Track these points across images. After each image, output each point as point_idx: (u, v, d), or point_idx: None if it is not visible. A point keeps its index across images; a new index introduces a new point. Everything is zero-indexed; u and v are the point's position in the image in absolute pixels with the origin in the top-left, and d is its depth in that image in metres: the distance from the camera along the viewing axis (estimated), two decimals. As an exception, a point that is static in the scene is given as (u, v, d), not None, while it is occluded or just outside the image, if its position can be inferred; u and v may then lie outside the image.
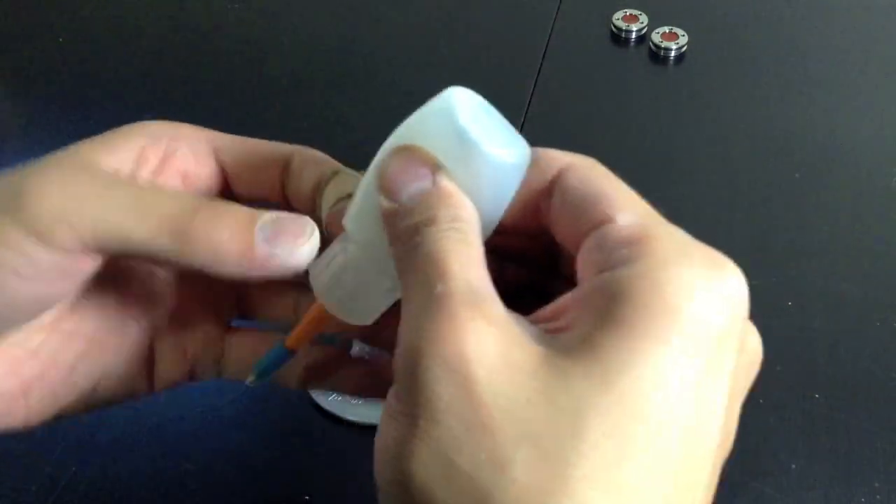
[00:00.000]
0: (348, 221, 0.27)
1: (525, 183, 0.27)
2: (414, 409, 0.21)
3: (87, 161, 0.28)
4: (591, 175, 0.26)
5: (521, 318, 0.24)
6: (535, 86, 0.66)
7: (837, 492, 0.43)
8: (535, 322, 0.24)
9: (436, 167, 0.25)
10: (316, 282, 0.28)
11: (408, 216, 0.25)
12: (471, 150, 0.25)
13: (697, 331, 0.22)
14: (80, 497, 0.44)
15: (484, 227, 0.26)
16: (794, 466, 0.44)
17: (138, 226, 0.26)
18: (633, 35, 0.69)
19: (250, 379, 0.31)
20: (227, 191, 0.31)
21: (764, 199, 0.57)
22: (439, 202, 0.24)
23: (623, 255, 0.23)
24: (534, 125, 0.62)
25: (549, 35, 0.70)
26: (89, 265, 0.27)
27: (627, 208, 0.25)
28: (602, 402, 0.21)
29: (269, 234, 0.26)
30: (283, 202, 0.31)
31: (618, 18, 0.70)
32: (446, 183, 0.25)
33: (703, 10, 0.72)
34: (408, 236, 0.24)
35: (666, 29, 0.68)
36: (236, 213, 0.26)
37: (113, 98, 0.67)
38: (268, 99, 0.65)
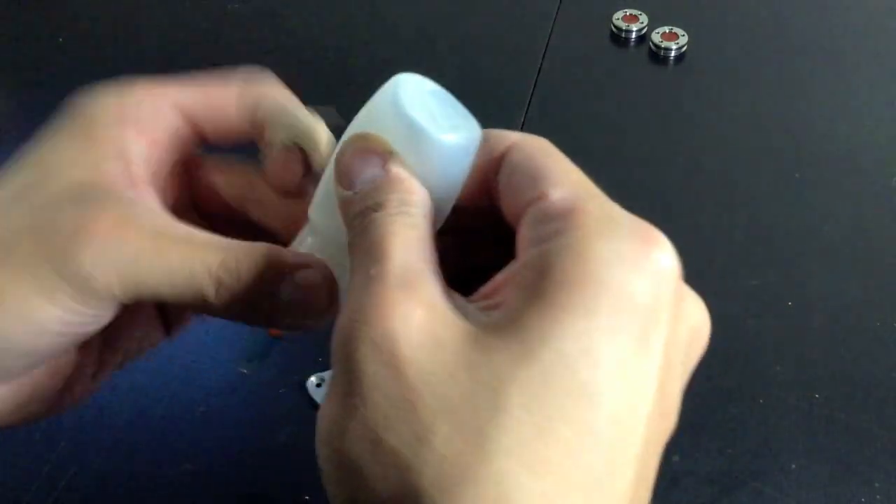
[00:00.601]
0: (312, 211, 0.28)
1: (476, 162, 0.27)
2: (346, 387, 0.22)
3: (126, 202, 0.28)
4: (533, 152, 0.26)
5: (459, 299, 0.24)
6: (535, 86, 0.66)
7: (837, 492, 0.43)
8: (474, 300, 0.24)
9: (387, 154, 0.26)
10: None
11: (360, 202, 0.25)
12: (418, 135, 0.26)
13: (622, 304, 0.22)
14: (80, 497, 0.44)
15: (439, 208, 0.26)
16: (794, 466, 0.44)
17: (178, 287, 0.27)
18: (633, 35, 0.69)
19: (244, 367, 0.32)
20: (202, 140, 0.32)
21: (764, 199, 0.57)
22: (389, 188, 0.25)
23: (553, 229, 0.23)
24: (534, 125, 0.62)
25: (549, 35, 0.70)
26: (112, 315, 0.28)
27: (562, 183, 0.25)
28: (522, 375, 0.21)
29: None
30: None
31: (618, 18, 0.70)
32: (397, 169, 0.26)
33: (703, 10, 0.72)
34: (358, 221, 0.25)
35: (666, 29, 0.68)
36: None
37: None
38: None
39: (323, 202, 0.28)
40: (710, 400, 0.47)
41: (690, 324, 0.24)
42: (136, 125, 0.30)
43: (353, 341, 0.22)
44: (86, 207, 0.27)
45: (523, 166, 0.26)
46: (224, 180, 0.33)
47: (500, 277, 0.24)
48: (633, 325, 0.22)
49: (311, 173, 0.30)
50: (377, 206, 0.25)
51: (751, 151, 0.60)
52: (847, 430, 0.45)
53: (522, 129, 0.62)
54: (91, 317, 0.27)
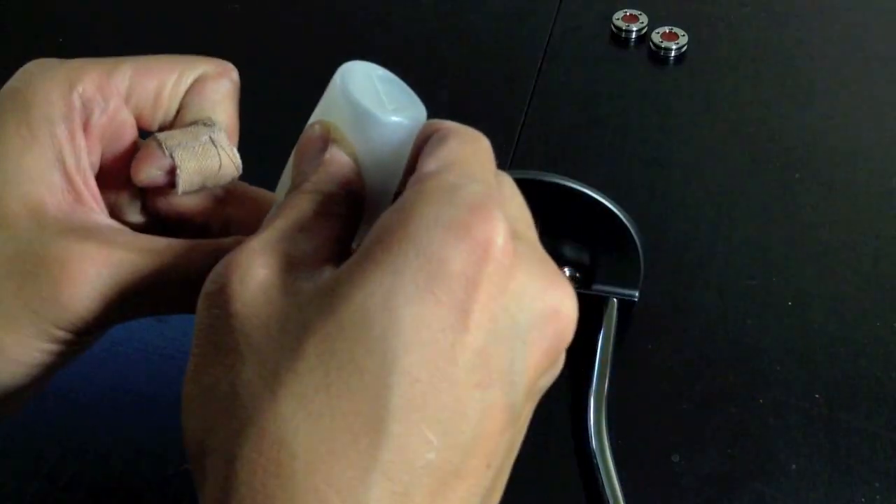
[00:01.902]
0: (277, 196, 0.30)
1: (416, 147, 0.28)
2: (194, 337, 0.24)
3: (89, 227, 0.29)
4: (449, 134, 0.27)
5: (330, 268, 0.25)
6: (535, 86, 0.66)
7: (837, 492, 0.43)
8: None
9: (328, 140, 0.28)
10: None
11: (294, 181, 0.27)
12: (363, 116, 0.27)
13: (432, 267, 0.22)
14: (80, 497, 0.44)
15: (387, 188, 0.28)
16: (794, 466, 0.44)
17: (177, 297, 0.29)
18: (633, 35, 0.69)
19: None
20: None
21: (764, 199, 0.57)
22: (315, 170, 0.27)
23: (403, 195, 0.24)
24: (534, 125, 0.62)
25: (549, 35, 0.70)
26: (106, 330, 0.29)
27: (440, 157, 0.25)
28: (323, 325, 0.22)
29: None
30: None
31: (618, 18, 0.70)
32: (330, 154, 0.27)
33: (703, 10, 0.72)
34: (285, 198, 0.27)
35: (666, 29, 0.68)
36: None
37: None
38: (267, 99, 0.65)
39: (281, 187, 0.30)
40: (710, 400, 0.47)
41: (535, 305, 0.24)
42: (76, 117, 0.30)
43: (202, 297, 0.24)
44: (58, 244, 0.27)
45: (431, 143, 0.27)
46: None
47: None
48: (443, 289, 0.22)
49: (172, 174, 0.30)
50: (294, 186, 0.27)
51: (750, 151, 0.60)
52: (847, 430, 0.45)
53: (522, 129, 0.62)
54: (85, 343, 0.28)
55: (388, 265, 0.22)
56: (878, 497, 0.43)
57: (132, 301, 0.28)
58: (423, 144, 0.27)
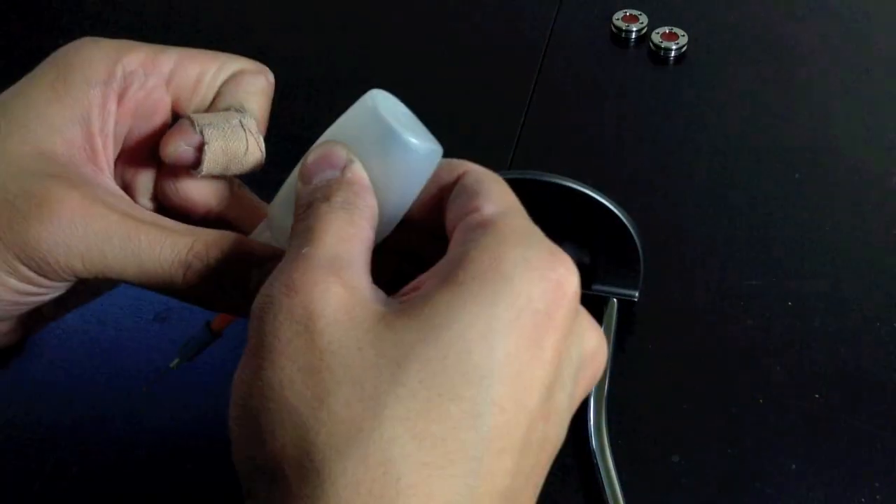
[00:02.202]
0: (272, 207, 0.30)
1: (434, 181, 0.29)
2: (257, 351, 0.24)
3: (87, 179, 0.29)
4: (481, 177, 0.29)
5: (380, 292, 0.26)
6: (535, 86, 0.66)
7: (837, 492, 0.43)
8: (396, 296, 0.26)
9: (349, 160, 0.28)
10: None
11: (310, 194, 0.28)
12: (391, 136, 0.28)
13: (521, 302, 0.24)
14: (80, 497, 0.44)
15: (393, 214, 0.29)
16: (794, 466, 0.44)
17: (146, 271, 0.28)
18: (633, 35, 0.69)
19: (174, 361, 0.33)
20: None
21: (764, 199, 0.57)
22: (339, 185, 0.27)
23: (476, 234, 0.26)
24: (534, 125, 0.62)
25: (549, 35, 0.70)
26: (69, 286, 0.30)
27: (495, 201, 0.27)
28: (424, 352, 0.23)
29: None
30: None
31: (618, 18, 0.70)
32: (354, 172, 0.28)
33: (703, 10, 0.72)
34: (304, 210, 0.27)
35: (666, 29, 0.68)
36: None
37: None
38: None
39: (284, 199, 0.30)
40: (710, 400, 0.47)
41: (585, 347, 0.27)
42: (114, 85, 0.31)
43: (271, 308, 0.24)
44: (47, 182, 0.28)
45: (468, 187, 0.28)
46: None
47: (423, 276, 0.26)
48: (528, 324, 0.24)
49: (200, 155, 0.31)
50: (323, 198, 0.27)
51: (750, 151, 0.60)
52: (847, 430, 0.45)
53: (522, 129, 0.62)
54: (47, 289, 0.28)
55: (486, 298, 0.23)
56: (878, 497, 0.43)
57: (98, 261, 0.28)
58: (449, 184, 0.29)
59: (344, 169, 0.28)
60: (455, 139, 0.62)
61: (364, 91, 0.31)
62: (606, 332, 0.48)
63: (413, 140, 0.28)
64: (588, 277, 0.50)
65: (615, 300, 0.49)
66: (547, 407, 0.25)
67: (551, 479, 0.44)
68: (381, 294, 0.26)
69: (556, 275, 0.25)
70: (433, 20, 0.73)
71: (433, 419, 0.22)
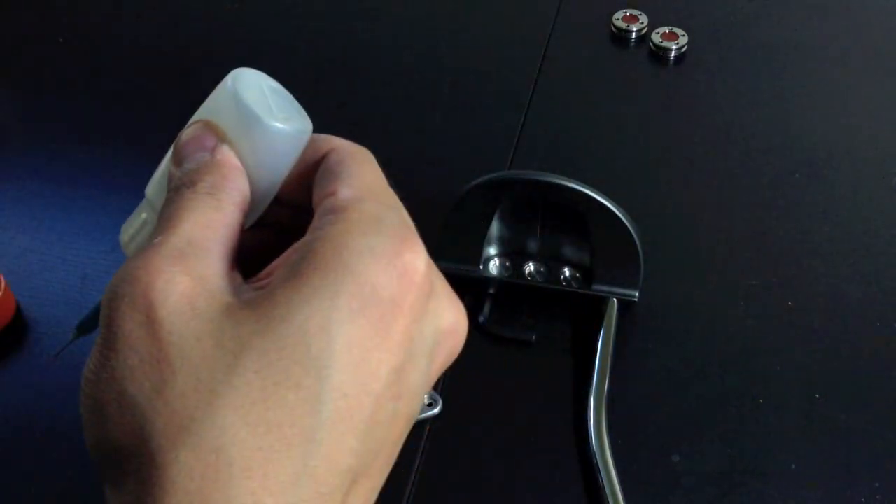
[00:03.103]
0: (148, 187, 0.30)
1: (303, 160, 0.29)
2: (104, 340, 0.24)
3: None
4: (346, 156, 0.29)
5: (238, 279, 0.26)
6: (535, 86, 0.66)
7: (837, 492, 0.43)
8: (251, 281, 0.26)
9: (219, 140, 0.28)
10: (122, 240, 0.31)
11: (179, 178, 0.28)
12: (251, 120, 0.28)
13: (365, 292, 0.24)
14: (80, 497, 0.44)
15: (263, 194, 0.29)
16: (794, 466, 0.44)
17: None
18: (633, 35, 0.69)
19: (73, 333, 0.33)
20: None
21: (764, 200, 0.57)
22: (207, 169, 0.28)
23: (326, 220, 0.26)
24: (534, 125, 0.62)
25: (549, 35, 0.70)
26: None
27: (352, 185, 0.27)
28: (261, 343, 0.23)
29: None
30: None
31: (618, 18, 0.70)
32: (223, 155, 0.28)
33: (703, 10, 0.72)
34: (171, 194, 0.27)
35: (666, 29, 0.68)
36: None
37: (113, 98, 0.67)
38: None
39: (159, 180, 0.30)
40: (710, 400, 0.47)
41: (441, 325, 0.27)
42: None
43: (116, 299, 0.24)
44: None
45: (332, 166, 0.28)
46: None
47: (276, 261, 0.27)
48: (374, 313, 0.24)
49: None
50: (189, 183, 0.27)
51: (750, 151, 0.60)
52: (847, 430, 0.45)
53: (522, 129, 0.62)
54: None
55: (326, 290, 0.24)
56: (878, 497, 0.43)
57: None
58: (317, 161, 0.29)
59: (213, 150, 0.28)
60: (455, 139, 0.62)
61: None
62: (606, 333, 0.48)
63: (274, 123, 0.28)
64: (588, 277, 0.50)
65: (615, 300, 0.49)
66: (397, 387, 0.25)
67: (551, 479, 0.44)
68: (237, 282, 0.26)
69: (403, 262, 0.25)
70: (433, 20, 0.73)
71: (269, 407, 0.23)
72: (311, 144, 0.30)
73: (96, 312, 0.33)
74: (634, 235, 0.47)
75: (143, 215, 0.31)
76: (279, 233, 0.31)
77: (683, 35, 0.68)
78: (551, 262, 0.51)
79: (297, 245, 0.26)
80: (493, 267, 0.52)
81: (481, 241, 0.51)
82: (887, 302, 0.51)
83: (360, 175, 0.28)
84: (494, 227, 0.51)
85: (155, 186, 0.30)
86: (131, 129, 0.64)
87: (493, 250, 0.52)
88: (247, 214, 0.28)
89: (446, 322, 0.27)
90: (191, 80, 0.68)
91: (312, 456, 0.23)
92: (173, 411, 0.23)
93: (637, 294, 0.50)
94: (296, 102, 0.30)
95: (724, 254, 0.54)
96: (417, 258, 0.26)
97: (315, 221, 0.27)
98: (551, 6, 0.73)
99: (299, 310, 0.24)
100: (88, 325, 0.33)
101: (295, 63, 0.69)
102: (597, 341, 0.48)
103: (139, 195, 0.31)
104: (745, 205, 0.57)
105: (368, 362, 0.24)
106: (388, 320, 0.25)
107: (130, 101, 0.67)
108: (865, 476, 0.43)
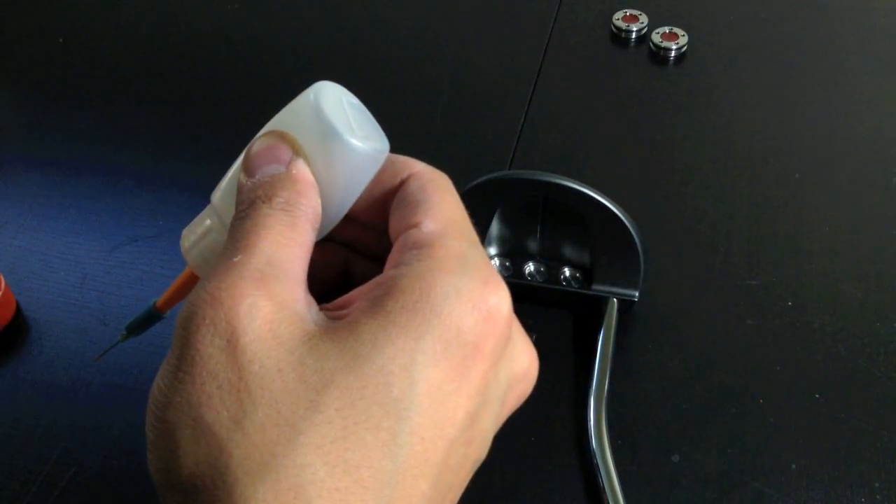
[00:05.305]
0: (214, 193, 0.29)
1: (379, 180, 0.29)
2: (178, 362, 0.23)
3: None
4: (426, 184, 0.28)
5: (312, 304, 0.25)
6: (535, 86, 0.66)
7: (837, 492, 0.43)
8: (327, 308, 0.26)
9: (294, 154, 0.27)
10: (183, 246, 0.30)
11: (252, 190, 0.27)
12: (332, 136, 0.27)
13: (450, 335, 0.24)
14: (80, 497, 0.44)
15: (333, 213, 0.28)
16: (794, 466, 0.44)
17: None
18: (633, 35, 0.69)
19: (122, 335, 0.33)
20: None
21: (764, 199, 0.57)
22: (282, 184, 0.26)
23: (412, 255, 0.25)
24: (534, 125, 0.62)
25: (549, 35, 0.70)
26: None
27: (436, 218, 0.27)
28: (344, 381, 0.23)
29: None
30: None
31: (618, 18, 0.70)
32: (298, 170, 0.27)
33: (703, 10, 0.72)
34: (243, 207, 0.26)
35: (666, 29, 0.68)
36: None
37: (112, 98, 0.67)
38: (268, 99, 0.65)
39: (227, 188, 0.29)
40: (710, 400, 0.47)
41: (515, 369, 0.27)
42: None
43: (195, 320, 0.23)
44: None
45: (413, 194, 0.28)
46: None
47: (356, 291, 0.26)
48: (456, 356, 0.24)
49: None
50: (265, 198, 0.26)
51: (751, 151, 0.60)
52: (847, 430, 0.45)
53: (522, 129, 0.62)
54: None
55: (413, 331, 0.23)
56: (878, 497, 0.43)
57: None
58: (394, 183, 0.28)
59: (289, 164, 0.27)
60: (455, 139, 0.62)
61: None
62: (606, 333, 0.48)
63: (354, 141, 0.27)
64: (588, 277, 0.50)
65: (615, 300, 0.49)
66: (470, 432, 0.25)
67: (551, 479, 0.44)
68: (313, 307, 0.25)
69: (488, 305, 0.25)
70: (433, 20, 0.73)
71: (348, 447, 0.22)
72: (388, 165, 0.29)
73: (148, 316, 0.33)
74: (634, 235, 0.47)
75: (208, 222, 0.30)
76: (350, 250, 0.31)
77: (683, 35, 0.68)
78: (551, 262, 0.51)
79: (380, 279, 0.25)
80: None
81: (481, 241, 0.51)
82: (887, 302, 0.51)
83: (443, 207, 0.27)
84: (494, 227, 0.51)
85: (222, 193, 0.29)
86: (131, 130, 0.64)
87: (492, 250, 0.52)
88: (318, 232, 0.28)
89: (520, 367, 0.27)
90: (191, 80, 0.68)
91: (386, 499, 0.23)
92: (253, 444, 0.22)
93: (637, 294, 0.50)
94: (374, 121, 0.29)
95: (724, 254, 0.54)
96: (503, 302, 0.25)
97: (397, 254, 0.26)
98: (551, 6, 0.73)
99: (384, 349, 0.23)
100: (139, 327, 0.33)
101: (295, 63, 0.69)
102: (597, 341, 0.48)
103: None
104: (745, 204, 0.57)
105: (446, 407, 0.24)
106: (469, 364, 0.24)
107: (130, 101, 0.67)
108: (865, 476, 0.43)
